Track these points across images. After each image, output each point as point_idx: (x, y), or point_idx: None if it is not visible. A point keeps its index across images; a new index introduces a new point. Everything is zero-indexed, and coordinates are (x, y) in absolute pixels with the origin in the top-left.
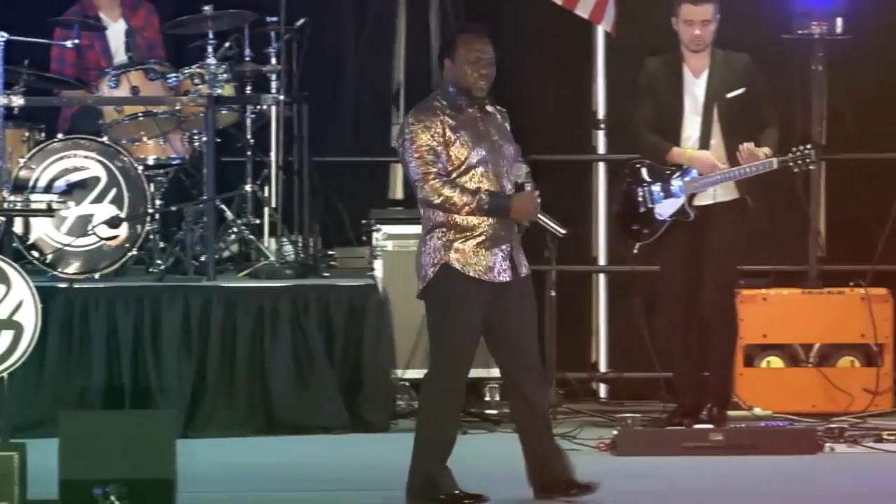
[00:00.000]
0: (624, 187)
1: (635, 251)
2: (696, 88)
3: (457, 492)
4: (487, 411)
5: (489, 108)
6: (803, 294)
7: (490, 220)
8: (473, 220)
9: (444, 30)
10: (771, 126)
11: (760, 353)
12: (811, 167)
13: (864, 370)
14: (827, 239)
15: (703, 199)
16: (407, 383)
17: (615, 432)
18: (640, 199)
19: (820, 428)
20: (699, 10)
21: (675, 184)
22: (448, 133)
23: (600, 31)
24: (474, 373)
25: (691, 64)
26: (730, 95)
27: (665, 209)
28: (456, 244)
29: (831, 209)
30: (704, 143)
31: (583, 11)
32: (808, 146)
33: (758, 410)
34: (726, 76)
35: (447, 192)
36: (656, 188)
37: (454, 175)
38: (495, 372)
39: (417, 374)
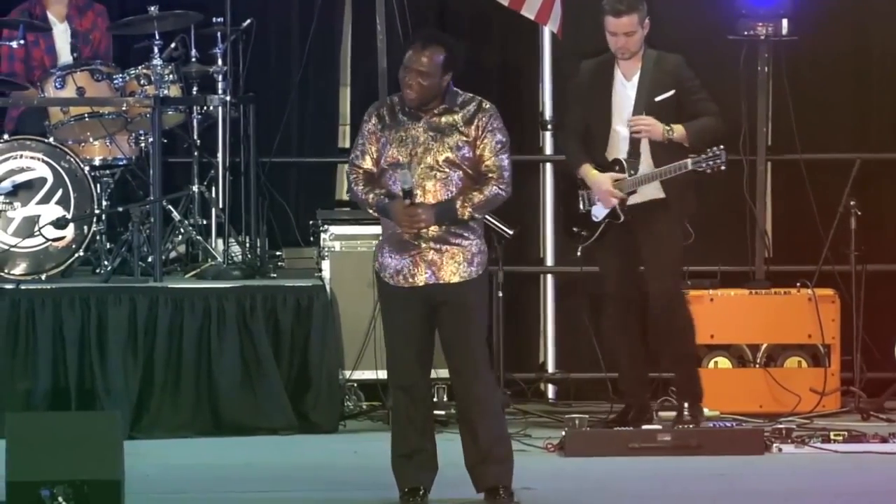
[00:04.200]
0: (566, 189)
1: (578, 254)
2: (627, 91)
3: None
4: (435, 412)
5: (446, 111)
6: (750, 294)
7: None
8: (385, 221)
9: (390, 30)
10: (704, 117)
11: (708, 353)
12: (722, 168)
13: (812, 371)
14: (773, 239)
15: (634, 199)
16: (355, 384)
17: (563, 433)
18: (581, 201)
19: (767, 428)
20: (621, 23)
21: None
22: (376, 128)
23: (546, 32)
24: None
25: (623, 67)
26: (658, 99)
27: (600, 211)
28: (379, 244)
29: (777, 210)
30: (634, 146)
31: (528, 12)
32: (720, 147)
33: (705, 411)
34: (657, 79)
35: (353, 185)
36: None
37: (377, 171)
38: (443, 373)
39: (365, 375)
